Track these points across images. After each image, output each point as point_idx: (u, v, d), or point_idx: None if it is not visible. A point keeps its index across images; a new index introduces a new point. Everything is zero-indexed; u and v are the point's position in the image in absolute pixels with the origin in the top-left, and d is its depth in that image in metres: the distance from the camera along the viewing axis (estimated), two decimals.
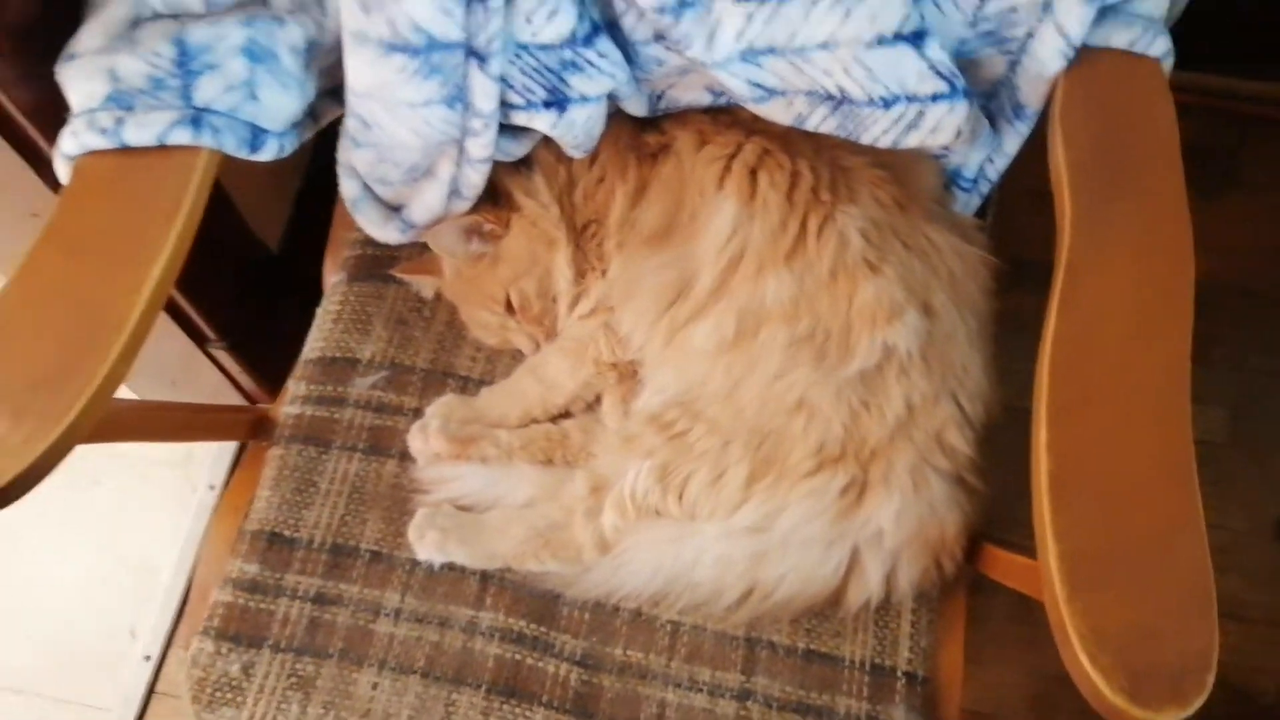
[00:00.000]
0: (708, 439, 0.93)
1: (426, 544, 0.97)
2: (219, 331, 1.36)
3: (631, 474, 0.94)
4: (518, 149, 1.02)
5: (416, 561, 0.98)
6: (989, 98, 1.00)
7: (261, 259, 1.46)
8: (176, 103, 0.85)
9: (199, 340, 1.36)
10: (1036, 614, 0.69)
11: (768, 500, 0.90)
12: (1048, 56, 0.91)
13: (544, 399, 1.04)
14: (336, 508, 1.01)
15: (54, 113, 0.88)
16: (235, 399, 1.50)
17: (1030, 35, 0.92)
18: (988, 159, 1.04)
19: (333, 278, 1.15)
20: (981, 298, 0.98)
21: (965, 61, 0.95)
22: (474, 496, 1.00)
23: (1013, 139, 1.01)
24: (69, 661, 1.58)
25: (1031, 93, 0.95)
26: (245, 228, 1.40)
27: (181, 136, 0.84)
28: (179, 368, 1.44)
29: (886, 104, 0.94)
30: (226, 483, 1.69)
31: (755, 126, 1.01)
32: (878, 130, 0.97)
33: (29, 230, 1.06)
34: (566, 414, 1.06)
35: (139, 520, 1.66)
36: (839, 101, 0.96)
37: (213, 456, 1.70)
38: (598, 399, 1.05)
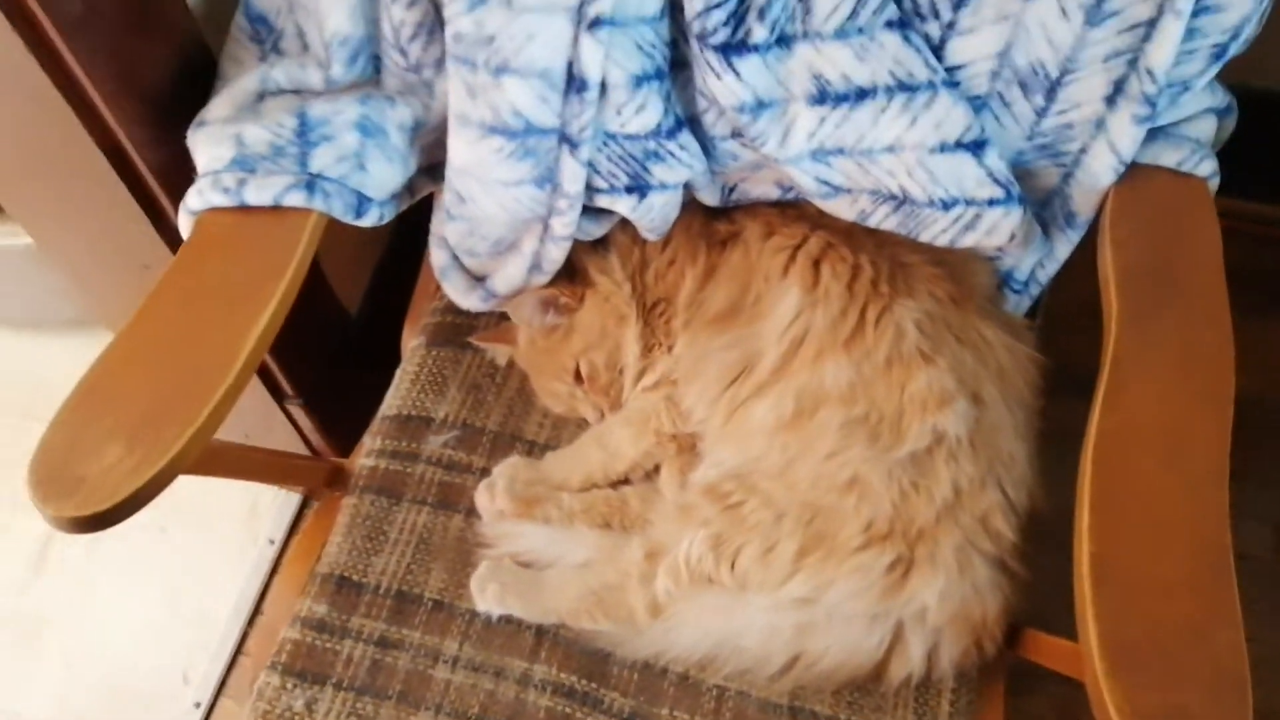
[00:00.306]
0: (761, 512, 0.98)
1: (487, 596, 1.02)
2: (297, 388, 1.44)
3: (686, 542, 0.99)
4: (596, 229, 1.10)
5: (476, 612, 1.03)
6: (1043, 205, 1.06)
7: (341, 322, 1.55)
8: (294, 168, 0.94)
9: (277, 395, 1.44)
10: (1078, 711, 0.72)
11: (817, 574, 0.95)
12: (1100, 171, 0.98)
13: (606, 465, 1.10)
14: (404, 556, 1.07)
15: (178, 174, 0.98)
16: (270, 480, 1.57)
17: (1084, 151, 0.99)
18: (1039, 263, 1.10)
19: (413, 341, 1.23)
20: (1029, 393, 1.03)
21: (1021, 170, 1.02)
22: (535, 554, 1.05)
23: (1063, 245, 1.07)
24: (123, 703, 1.63)
25: (1084, 203, 1.02)
26: (330, 292, 1.49)
27: (296, 199, 0.93)
28: (255, 420, 1.52)
29: (946, 206, 1.01)
30: (287, 539, 1.76)
31: (820, 221, 1.09)
32: (936, 229, 1.03)
33: (139, 281, 1.16)
34: (626, 481, 1.11)
35: (201, 569, 1.73)
36: (901, 201, 1.03)
37: (276, 509, 1.78)
38: (656, 469, 1.11)
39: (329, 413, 1.51)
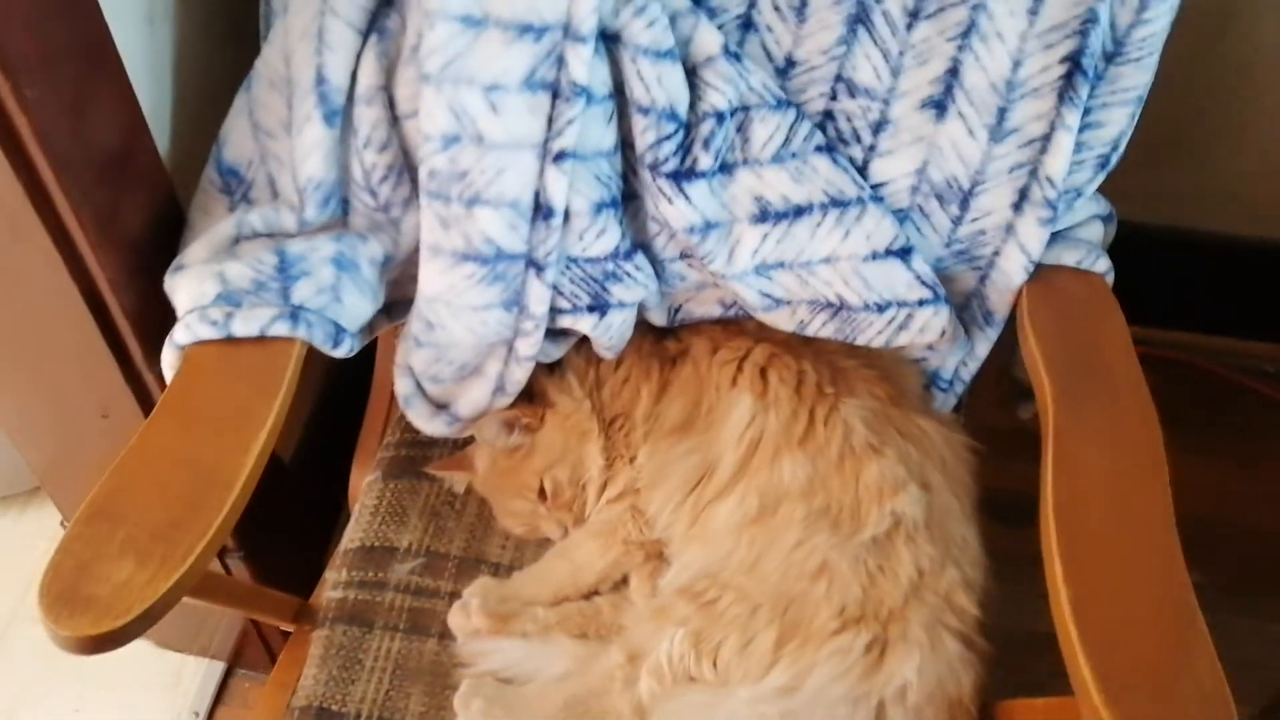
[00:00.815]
0: (737, 606, 1.03)
1: (473, 712, 1.04)
2: (237, 541, 1.44)
3: (667, 641, 1.03)
4: (556, 351, 1.17)
5: None
6: (962, 309, 1.18)
7: (276, 472, 1.56)
8: (277, 301, 0.99)
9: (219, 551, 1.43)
10: None
11: (797, 660, 1.00)
12: (1013, 270, 1.10)
13: (575, 578, 1.14)
14: (381, 683, 1.08)
15: (148, 318, 1.02)
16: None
17: (997, 253, 1.12)
18: (962, 362, 1.21)
19: (367, 477, 1.26)
20: (970, 479, 1.13)
21: (941, 275, 1.14)
22: (514, 669, 1.08)
23: (983, 344, 1.19)
24: None
25: (999, 302, 1.14)
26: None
27: (281, 329, 0.98)
28: None
29: (880, 309, 1.12)
30: (212, 711, 1.72)
31: (760, 334, 1.19)
32: (872, 332, 1.14)
33: (97, 431, 1.17)
34: (596, 592, 1.15)
35: None
36: (838, 308, 1.13)
37: (200, 680, 1.73)
38: (625, 580, 1.16)
39: (268, 564, 1.51)
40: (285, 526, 1.55)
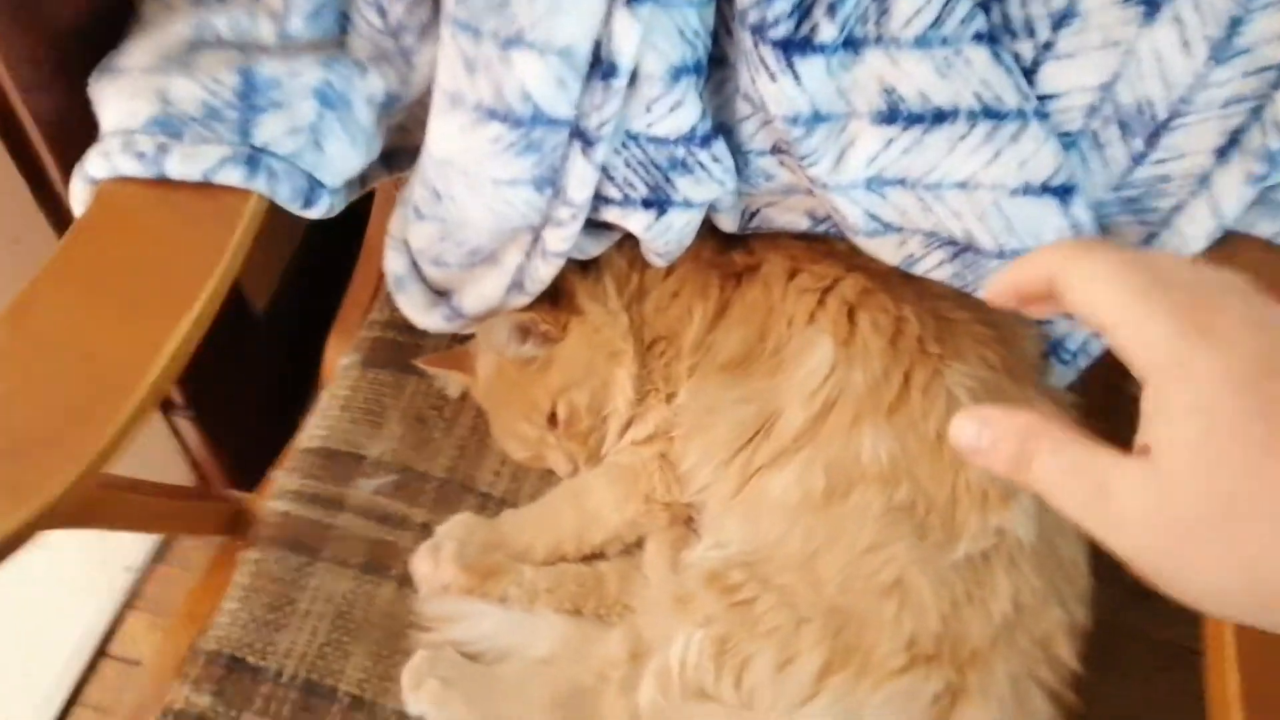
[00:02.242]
0: (778, 613, 0.84)
1: (423, 695, 0.85)
2: (186, 396, 1.25)
3: (681, 642, 0.84)
4: (594, 247, 0.95)
5: (406, 715, 0.86)
6: None
7: (245, 321, 1.35)
8: (232, 137, 0.77)
9: (162, 403, 1.24)
10: None
11: (845, 697, 0.81)
12: (1192, 235, 0.87)
13: (579, 533, 0.95)
14: (317, 634, 0.90)
15: (70, 129, 0.79)
16: (184, 477, 1.37)
17: (1177, 209, 0.88)
18: (1094, 333, 0.98)
19: (343, 359, 1.05)
20: None
21: (1098, 225, 0.90)
22: (485, 642, 0.89)
23: None
24: None
25: None
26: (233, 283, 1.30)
27: (232, 176, 0.76)
28: None
29: (1017, 257, 0.88)
30: (147, 569, 1.55)
31: (854, 261, 0.96)
32: None
33: (6, 259, 0.95)
34: (601, 555, 0.96)
35: (38, 600, 1.50)
36: (962, 249, 0.90)
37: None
38: (640, 542, 0.96)
39: (225, 431, 1.32)
40: (248, 387, 1.36)
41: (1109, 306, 0.43)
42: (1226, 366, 0.40)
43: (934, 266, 0.92)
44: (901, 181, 0.88)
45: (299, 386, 1.31)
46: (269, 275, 1.41)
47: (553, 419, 0.97)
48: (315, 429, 1.01)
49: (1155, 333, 0.41)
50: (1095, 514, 0.42)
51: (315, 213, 0.83)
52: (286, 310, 1.40)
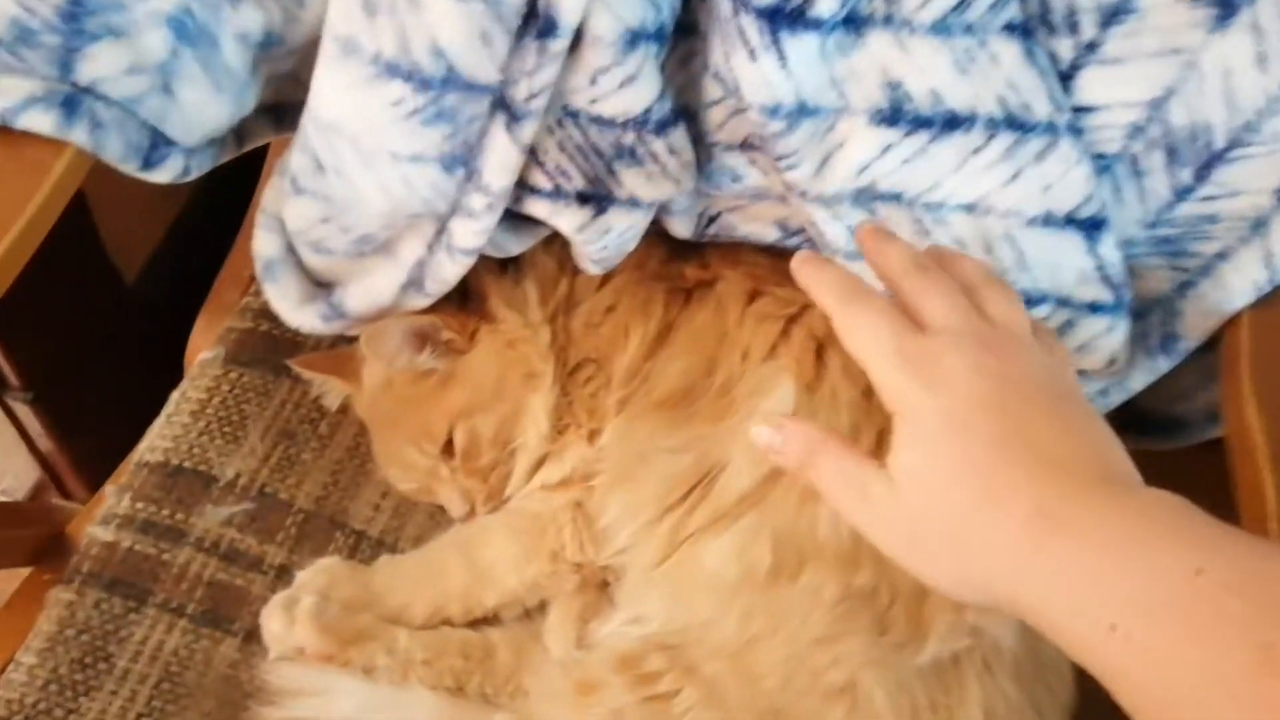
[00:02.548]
0: (702, 712, 0.68)
1: None
2: (22, 376, 1.06)
3: None
4: (515, 245, 0.78)
5: None
6: (1136, 315, 0.80)
7: (109, 292, 1.17)
8: (47, 70, 0.59)
9: None
10: None
11: None
12: (1237, 287, 0.73)
13: (468, 592, 0.78)
14: (134, 701, 0.73)
15: None
16: (29, 472, 1.18)
17: (1222, 256, 0.74)
18: (1102, 390, 0.84)
19: (204, 351, 0.88)
20: None
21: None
22: None
23: (1143, 375, 0.81)
24: None
25: (1196, 326, 0.77)
26: (96, 244, 1.11)
27: (41, 122, 0.59)
28: None
29: (1029, 301, 0.73)
30: None
31: None
32: None
33: None
34: (494, 619, 0.79)
35: None
36: None
37: None
38: (542, 606, 0.80)
39: (73, 416, 1.13)
40: (108, 371, 1.17)
41: (865, 358, 0.54)
42: (943, 408, 0.51)
43: None
44: (897, 197, 0.73)
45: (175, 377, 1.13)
46: (143, 242, 1.22)
47: (448, 448, 0.80)
48: (159, 438, 0.83)
49: (894, 382, 0.52)
50: (859, 514, 0.53)
51: (161, 175, 0.66)
52: (161, 285, 1.21)
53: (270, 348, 0.88)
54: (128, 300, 1.20)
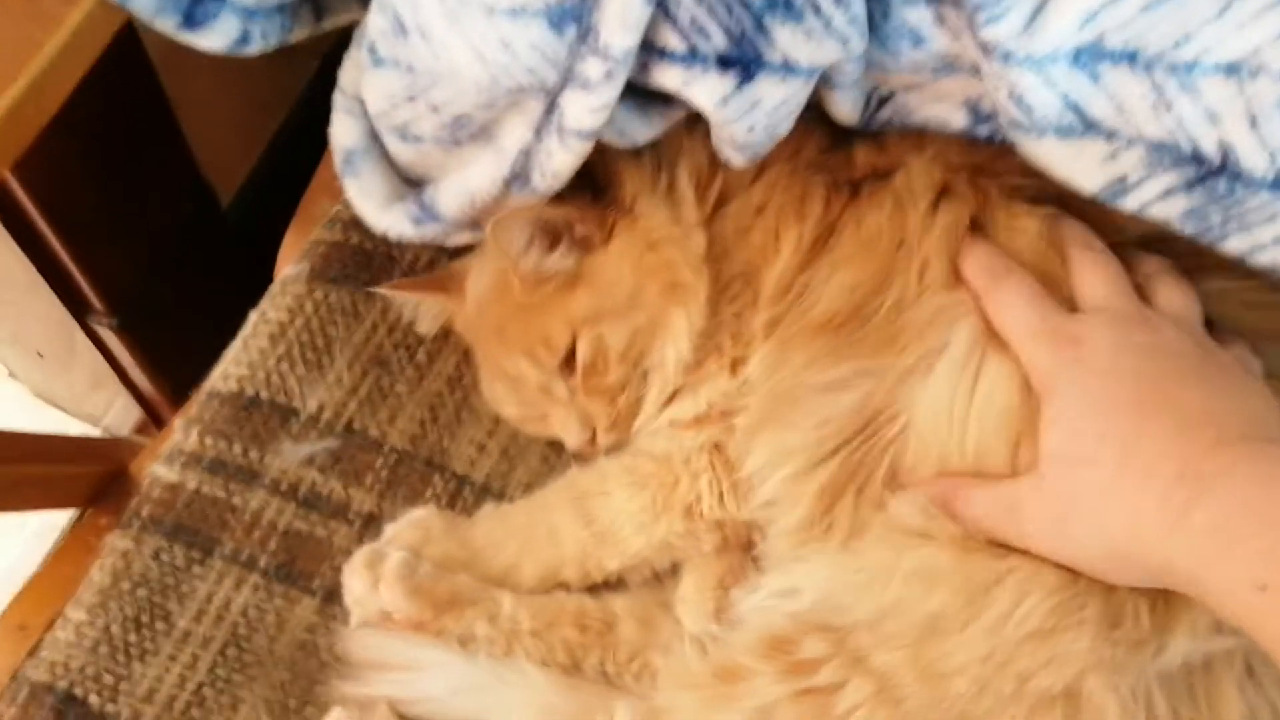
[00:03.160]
0: (872, 712, 0.55)
1: None
2: (106, 298, 0.98)
3: None
4: (642, 130, 0.65)
5: None
6: None
7: (204, 213, 1.07)
8: None
9: (76, 308, 0.97)
10: None
11: None
12: None
13: (586, 554, 0.66)
14: (195, 668, 0.64)
15: None
16: (130, 410, 1.11)
17: None
18: None
19: (288, 268, 0.77)
20: None
21: None
22: (434, 706, 0.62)
23: None
24: None
25: None
26: (187, 158, 1.01)
27: None
28: (47, 337, 1.05)
29: None
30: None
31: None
32: (1267, 237, 0.58)
33: None
34: (615, 582, 0.67)
35: None
36: (1207, 172, 0.58)
37: None
38: (674, 569, 0.67)
39: (167, 351, 1.05)
40: (202, 298, 1.08)
41: (1012, 336, 0.56)
42: (1083, 384, 0.52)
43: (1155, 198, 0.60)
44: (1131, 57, 0.56)
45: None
46: (240, 161, 1.13)
47: (570, 361, 0.67)
48: (233, 364, 0.73)
49: (1039, 361, 0.54)
50: (1016, 530, 0.54)
51: (211, 40, 0.56)
52: (259, 208, 1.11)
53: (362, 263, 0.77)
54: (223, 223, 1.11)
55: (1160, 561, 0.47)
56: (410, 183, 0.69)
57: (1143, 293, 0.59)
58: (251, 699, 0.62)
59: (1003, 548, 0.56)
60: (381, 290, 0.73)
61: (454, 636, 0.63)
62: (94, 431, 1.20)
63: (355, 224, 0.76)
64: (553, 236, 0.66)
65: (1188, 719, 0.54)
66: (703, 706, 0.58)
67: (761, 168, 0.67)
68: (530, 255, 0.67)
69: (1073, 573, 0.54)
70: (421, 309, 0.74)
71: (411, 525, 0.66)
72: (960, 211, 0.64)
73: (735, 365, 0.66)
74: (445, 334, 0.75)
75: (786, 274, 0.66)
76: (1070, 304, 0.59)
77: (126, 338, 1.02)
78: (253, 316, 0.75)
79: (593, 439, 0.69)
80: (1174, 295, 0.57)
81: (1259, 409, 0.51)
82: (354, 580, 0.64)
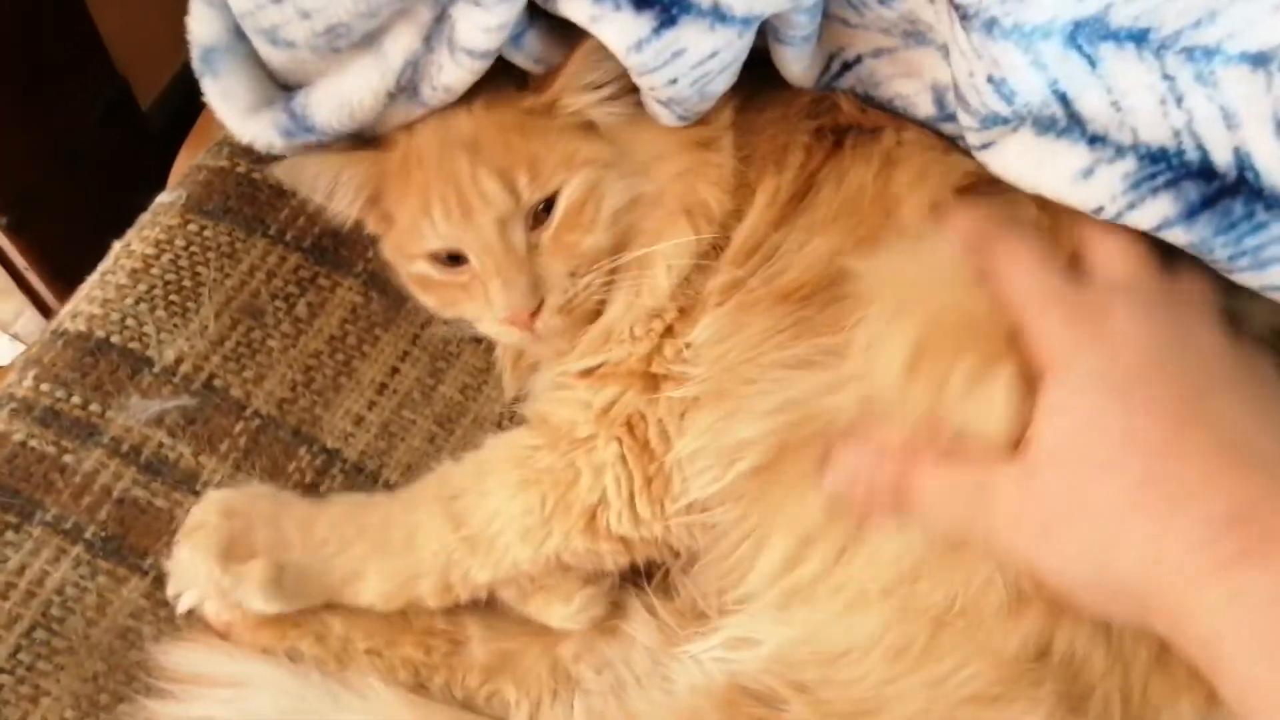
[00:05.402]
0: None
1: None
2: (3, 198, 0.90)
3: None
4: (546, 54, 0.55)
5: None
6: None
7: (118, 111, 0.99)
8: None
9: None
10: None
11: None
12: None
13: (450, 562, 0.57)
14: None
15: None
16: (15, 301, 1.04)
17: None
18: None
19: (162, 195, 0.68)
20: None
21: None
22: None
23: None
24: None
25: None
26: (101, 56, 0.93)
27: None
28: None
29: None
30: None
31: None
32: None
33: None
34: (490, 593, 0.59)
35: None
36: (1221, 189, 0.49)
37: None
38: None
39: (65, 251, 0.97)
40: (113, 205, 1.00)
41: (1017, 299, 0.47)
42: (1104, 370, 0.44)
43: (1156, 223, 0.50)
44: (1140, 37, 0.48)
45: None
46: (162, 65, 1.04)
47: (545, 211, 0.57)
48: (84, 303, 0.65)
49: (1050, 332, 0.45)
50: (981, 523, 0.45)
51: None
52: (182, 115, 1.02)
53: (246, 196, 0.69)
54: (141, 125, 1.02)
55: (1168, 616, 0.40)
56: (279, 86, 0.59)
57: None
58: (57, 690, 0.55)
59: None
60: (286, 165, 0.59)
61: (296, 645, 0.56)
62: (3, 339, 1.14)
63: (246, 150, 0.67)
64: (627, 89, 0.57)
65: None
66: None
67: (761, 111, 0.60)
68: (588, 92, 0.57)
69: (1035, 642, 0.46)
70: (343, 177, 0.60)
71: (220, 501, 0.56)
72: (955, 168, 0.55)
73: (674, 326, 0.57)
74: (333, 286, 0.67)
75: (756, 232, 0.58)
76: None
77: (19, 239, 0.94)
78: (115, 247, 0.67)
79: (535, 314, 0.57)
80: (1195, 280, 0.48)
81: None
82: (177, 564, 0.56)
